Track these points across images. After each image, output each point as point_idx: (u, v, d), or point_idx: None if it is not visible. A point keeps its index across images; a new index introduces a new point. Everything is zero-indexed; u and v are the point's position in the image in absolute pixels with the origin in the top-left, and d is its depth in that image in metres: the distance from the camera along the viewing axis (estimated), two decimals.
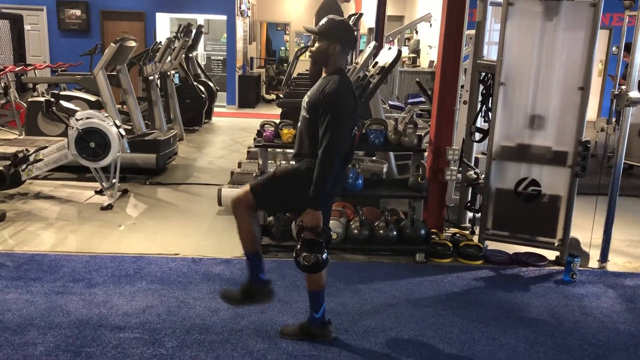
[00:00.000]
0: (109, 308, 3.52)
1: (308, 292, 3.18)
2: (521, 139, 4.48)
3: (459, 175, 5.00)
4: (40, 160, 5.62)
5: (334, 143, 2.79)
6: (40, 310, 3.45)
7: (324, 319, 3.22)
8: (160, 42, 9.14)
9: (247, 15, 14.38)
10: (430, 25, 11.11)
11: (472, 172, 4.99)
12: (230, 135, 9.92)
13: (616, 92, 4.25)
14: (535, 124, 4.43)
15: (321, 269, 2.98)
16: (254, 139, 4.70)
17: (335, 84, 2.84)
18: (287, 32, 17.97)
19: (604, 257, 4.48)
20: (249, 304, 3.17)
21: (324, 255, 2.94)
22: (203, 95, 10.16)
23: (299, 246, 2.95)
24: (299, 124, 3.06)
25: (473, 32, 5.20)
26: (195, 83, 10.14)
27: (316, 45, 2.94)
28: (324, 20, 2.95)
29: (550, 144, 4.41)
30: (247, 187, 3.01)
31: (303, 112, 2.98)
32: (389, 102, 8.58)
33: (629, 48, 8.42)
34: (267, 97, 15.23)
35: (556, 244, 4.51)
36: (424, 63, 13.19)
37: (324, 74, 2.96)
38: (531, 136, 4.44)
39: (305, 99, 2.98)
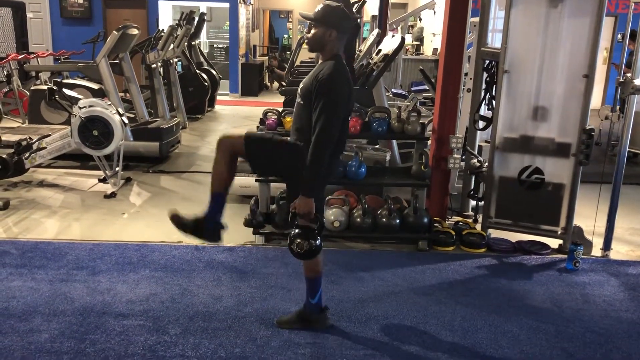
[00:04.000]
0: (112, 295, 3.53)
1: (305, 278, 3.18)
2: (525, 127, 4.46)
3: (462, 164, 4.99)
4: (44, 148, 5.62)
5: (327, 128, 2.77)
6: (45, 298, 3.47)
7: (321, 305, 3.22)
8: (163, 29, 9.10)
9: (250, 3, 14.31)
10: (434, 12, 11.05)
11: (475, 160, 4.97)
12: (233, 124, 9.90)
13: (621, 80, 4.22)
14: (539, 112, 4.40)
15: (314, 255, 2.97)
16: (257, 127, 4.69)
17: (329, 70, 2.82)
18: (290, 20, 17.89)
19: (607, 246, 4.48)
20: (192, 236, 3.11)
21: (317, 242, 2.91)
22: (206, 84, 10.13)
23: (292, 233, 2.92)
24: (294, 110, 3.05)
25: (477, 19, 5.16)
26: (198, 71, 10.10)
27: (312, 31, 2.92)
28: (319, 7, 2.92)
29: (555, 133, 4.39)
30: (242, 134, 3.02)
31: (298, 99, 2.97)
32: (393, 90, 8.55)
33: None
34: (269, 84, 15.23)
35: (559, 232, 4.50)
36: (427, 51, 13.13)
37: (320, 60, 2.95)
38: (535, 124, 4.42)
39: (301, 85, 2.98)
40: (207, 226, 3.02)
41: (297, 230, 2.91)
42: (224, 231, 3.09)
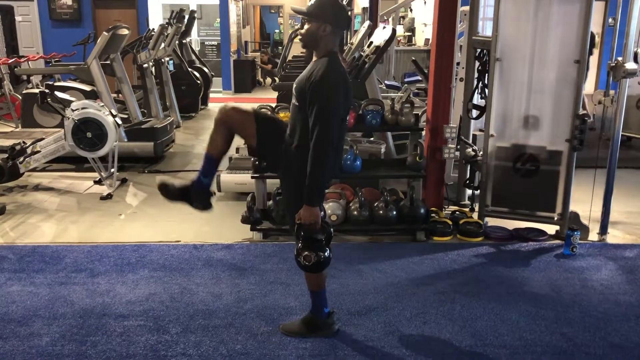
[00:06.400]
0: (112, 297, 3.54)
1: (309, 292, 3.09)
2: (518, 115, 4.46)
3: (457, 153, 5.00)
4: (38, 152, 5.60)
5: (324, 134, 2.63)
6: (44, 301, 3.47)
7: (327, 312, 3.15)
8: (153, 29, 9.06)
9: None
10: (425, 2, 11.04)
11: (470, 150, 4.98)
12: None
13: (612, 64, 4.23)
14: (532, 99, 4.41)
15: (323, 268, 2.84)
16: None
17: (322, 70, 2.65)
18: (280, 15, 17.83)
19: (603, 230, 4.49)
20: (182, 202, 2.98)
21: (325, 254, 2.79)
22: (198, 82, 10.10)
23: (298, 246, 2.78)
24: (290, 111, 2.91)
25: (467, 8, 5.16)
26: (190, 69, 10.07)
27: (305, 27, 2.75)
28: (312, 0, 2.76)
29: (548, 120, 4.40)
30: (251, 110, 2.89)
31: (293, 99, 2.82)
32: (385, 81, 8.54)
33: None
34: (262, 80, 15.21)
35: (556, 218, 4.52)
36: (419, 41, 13.10)
37: (314, 58, 2.79)
38: (528, 112, 4.43)
39: (295, 84, 2.82)
40: (194, 189, 2.91)
41: (303, 243, 2.77)
42: (213, 198, 3.02)
